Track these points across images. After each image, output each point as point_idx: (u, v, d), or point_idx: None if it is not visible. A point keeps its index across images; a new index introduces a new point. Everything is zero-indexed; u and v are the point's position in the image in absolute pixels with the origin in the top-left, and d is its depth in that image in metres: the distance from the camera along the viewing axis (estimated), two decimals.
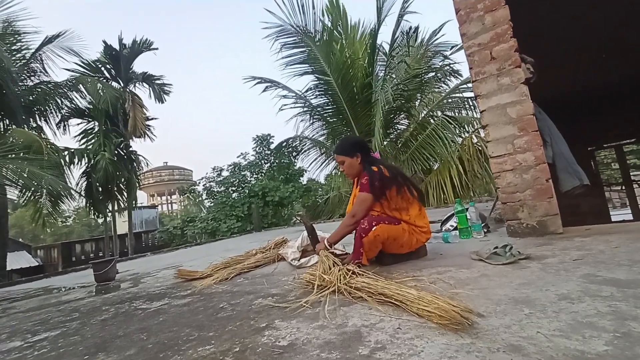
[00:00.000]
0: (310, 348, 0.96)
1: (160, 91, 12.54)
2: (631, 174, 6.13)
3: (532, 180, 2.17)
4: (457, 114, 8.80)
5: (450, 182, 7.48)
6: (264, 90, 9.51)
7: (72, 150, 10.47)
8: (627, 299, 0.95)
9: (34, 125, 9.14)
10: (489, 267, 1.54)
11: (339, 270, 1.57)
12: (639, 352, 0.68)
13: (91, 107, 10.83)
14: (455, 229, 2.61)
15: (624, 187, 6.05)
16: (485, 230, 2.54)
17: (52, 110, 9.55)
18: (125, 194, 11.74)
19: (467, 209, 2.52)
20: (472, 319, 0.95)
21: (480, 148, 7.44)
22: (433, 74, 9.10)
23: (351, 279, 1.50)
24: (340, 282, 1.49)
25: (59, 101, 9.69)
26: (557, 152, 2.45)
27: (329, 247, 1.97)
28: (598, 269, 1.25)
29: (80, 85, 9.92)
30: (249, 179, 12.27)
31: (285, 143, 11.59)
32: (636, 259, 1.30)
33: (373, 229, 1.72)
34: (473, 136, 7.86)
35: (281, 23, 8.31)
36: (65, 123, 10.64)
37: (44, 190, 7.40)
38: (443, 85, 9.49)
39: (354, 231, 1.93)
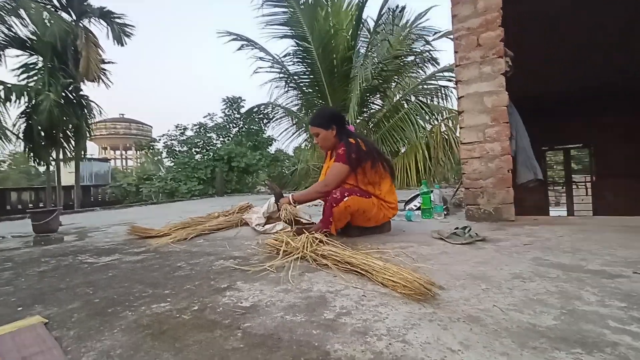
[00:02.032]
0: (274, 310, 0.94)
1: (120, 31, 11.16)
2: (572, 176, 6.80)
3: (496, 169, 2.29)
4: (430, 101, 8.99)
5: (415, 166, 7.76)
6: (239, 49, 8.91)
7: (9, 85, 9.11)
8: (571, 281, 1.04)
9: None
10: (449, 245, 1.62)
11: (306, 237, 1.55)
12: (583, 327, 0.75)
13: (34, 38, 9.38)
14: (419, 209, 2.71)
15: (564, 187, 6.72)
16: (446, 212, 2.67)
17: None
18: (73, 142, 10.63)
19: (432, 191, 2.61)
20: (434, 290, 0.99)
21: (446, 137, 7.75)
22: (413, 57, 9.10)
23: (318, 246, 1.49)
24: (306, 249, 1.47)
25: None
26: (520, 146, 2.59)
27: (292, 203, 1.96)
28: (546, 254, 1.36)
29: (22, 10, 8.50)
30: (214, 141, 11.74)
31: (256, 108, 11.12)
32: (578, 247, 1.44)
33: (345, 200, 1.72)
34: (442, 124, 8.13)
35: None
36: (1, 53, 9.18)
37: None
38: (420, 70, 9.57)
39: (323, 202, 1.91)
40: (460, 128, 2.45)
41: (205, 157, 10.88)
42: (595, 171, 6.10)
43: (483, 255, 1.39)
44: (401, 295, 1.00)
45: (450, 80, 8.28)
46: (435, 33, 8.66)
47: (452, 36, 2.49)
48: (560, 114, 5.68)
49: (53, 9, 10.00)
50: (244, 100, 12.27)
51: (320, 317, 0.87)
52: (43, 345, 0.79)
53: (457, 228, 1.76)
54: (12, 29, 8.98)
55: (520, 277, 1.10)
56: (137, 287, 1.21)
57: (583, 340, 0.69)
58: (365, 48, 8.66)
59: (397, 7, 8.66)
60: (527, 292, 0.96)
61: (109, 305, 1.05)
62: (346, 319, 0.85)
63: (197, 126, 11.77)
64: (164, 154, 12.88)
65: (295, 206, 2.04)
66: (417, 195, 2.89)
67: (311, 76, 8.79)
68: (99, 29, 11.47)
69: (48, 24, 8.83)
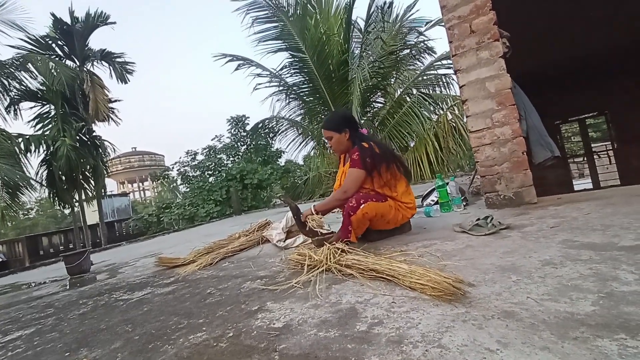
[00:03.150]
0: (307, 328, 0.95)
1: (122, 70, 11.63)
2: (592, 146, 6.56)
3: (509, 153, 2.24)
4: (432, 91, 8.90)
5: (426, 158, 7.66)
6: (236, 69, 9.09)
7: (27, 137, 9.60)
8: (605, 261, 1.01)
9: None
10: (472, 238, 1.59)
11: (328, 249, 1.57)
12: (623, 310, 0.73)
13: (44, 89, 9.88)
14: (436, 203, 2.68)
15: (585, 159, 6.47)
16: (465, 203, 2.62)
17: None
18: (92, 182, 11.06)
19: (447, 184, 2.58)
20: (464, 289, 0.98)
21: (454, 124, 7.63)
22: (408, 50, 9.05)
23: (341, 257, 1.50)
24: (330, 261, 1.48)
25: (6, 82, 8.76)
26: (530, 125, 2.53)
27: (314, 213, 1.97)
28: (574, 234, 1.33)
29: (29, 64, 9.00)
30: (225, 162, 11.95)
31: (261, 124, 11.29)
32: (607, 223, 1.39)
33: (361, 207, 1.72)
34: (448, 113, 8.03)
35: None
36: (16, 107, 9.71)
37: None
38: (418, 62, 9.50)
39: (341, 209, 1.92)
40: (467, 117, 2.42)
41: (219, 178, 11.07)
42: (616, 138, 5.86)
43: (509, 245, 1.36)
44: (431, 298, 0.99)
45: (449, 68, 8.19)
46: (427, 23, 8.61)
47: (444, 24, 2.48)
48: (569, 84, 5.51)
49: (58, 58, 10.52)
50: (248, 117, 12.48)
51: (353, 330, 0.88)
52: None
53: (478, 219, 1.73)
54: (23, 83, 9.50)
55: (551, 263, 1.07)
56: (173, 320, 1.25)
57: (626, 324, 0.67)
58: (359, 49, 8.69)
59: (384, 3, 8.67)
60: (560, 279, 0.94)
61: (148, 341, 1.09)
62: (379, 329, 0.85)
63: (207, 149, 12.03)
64: (179, 181, 13.20)
65: (320, 217, 2.04)
66: (433, 189, 2.86)
67: (310, 84, 8.87)
68: (102, 70, 11.99)
69: (55, 73, 9.29)
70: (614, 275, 0.90)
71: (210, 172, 11.62)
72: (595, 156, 6.45)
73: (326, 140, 2.06)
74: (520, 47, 2.55)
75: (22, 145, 9.26)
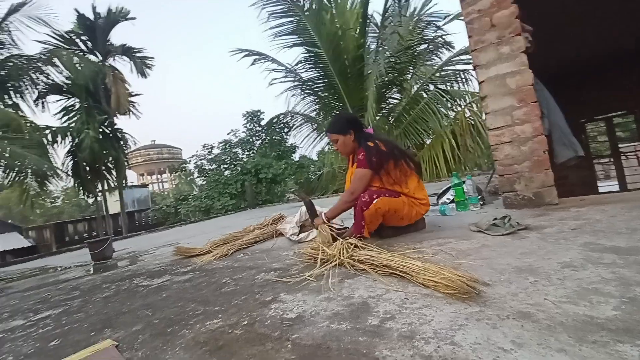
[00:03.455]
0: (319, 319, 0.97)
1: (142, 65, 11.97)
2: (619, 146, 6.24)
3: (530, 152, 2.18)
4: (450, 88, 8.68)
5: (443, 156, 7.51)
6: (253, 64, 9.16)
7: (54, 128, 10.06)
8: (629, 265, 0.97)
9: (10, 102, 8.69)
10: (489, 237, 1.56)
11: (341, 244, 1.58)
12: None
13: (69, 82, 10.31)
14: (452, 201, 2.64)
15: (611, 159, 6.18)
16: (482, 202, 2.57)
17: (28, 86, 9.09)
18: (114, 173, 11.49)
19: (464, 182, 2.53)
20: (479, 288, 0.97)
21: (472, 122, 7.43)
22: (425, 45, 8.86)
23: (354, 252, 1.51)
24: (343, 256, 1.49)
25: (34, 76, 9.19)
26: (553, 123, 2.44)
27: (326, 222, 1.97)
28: (597, 237, 1.28)
29: (55, 58, 9.38)
30: (240, 156, 12.12)
31: (276, 119, 11.35)
32: (634, 227, 1.34)
33: (374, 202, 1.72)
34: (466, 110, 7.82)
35: None
36: (43, 100, 10.17)
37: (29, 170, 7.17)
38: (435, 57, 9.28)
39: (353, 207, 1.92)
40: (486, 114, 2.36)
41: (234, 172, 11.26)
42: None
43: (527, 246, 1.33)
44: (444, 295, 0.99)
45: (468, 63, 7.96)
46: (446, 17, 8.38)
47: (463, 18, 2.42)
48: (596, 80, 5.26)
49: (82, 53, 10.92)
50: (264, 112, 12.59)
51: (365, 324, 0.89)
52: None
53: (496, 218, 1.70)
54: (50, 77, 9.92)
55: (571, 265, 1.05)
56: (190, 306, 1.30)
57: None
58: (375, 44, 8.57)
59: None
60: (580, 282, 0.92)
61: (167, 325, 1.14)
62: (391, 324, 0.86)
63: (223, 143, 12.24)
64: (196, 174, 13.50)
65: (332, 226, 2.02)
66: (449, 187, 2.81)
67: (325, 80, 8.83)
68: (122, 65, 12.34)
69: (79, 68, 9.66)
70: (638, 280, 0.87)
71: (225, 166, 11.83)
72: (622, 157, 6.15)
73: (332, 144, 2.05)
74: (544, 41, 2.46)
75: (49, 137, 9.71)
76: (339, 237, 1.73)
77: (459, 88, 8.64)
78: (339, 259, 1.48)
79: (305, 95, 9.49)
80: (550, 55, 4.34)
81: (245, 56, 9.08)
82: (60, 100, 10.77)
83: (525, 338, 0.69)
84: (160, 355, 0.92)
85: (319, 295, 1.17)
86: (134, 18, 11.78)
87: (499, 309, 0.85)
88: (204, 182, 12.24)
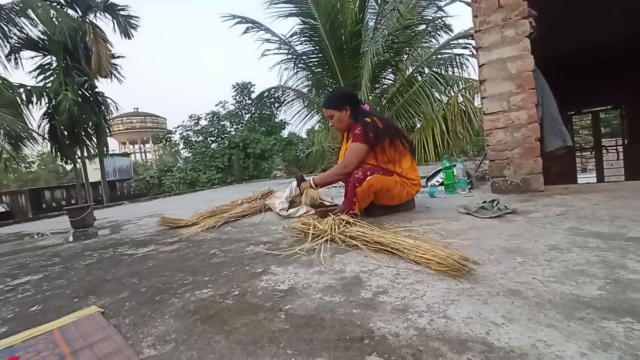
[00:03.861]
0: (312, 292, 0.97)
1: (126, 24, 11.16)
2: (602, 140, 6.45)
3: (522, 139, 2.20)
4: (445, 72, 8.61)
5: (432, 140, 7.56)
6: (245, 32, 8.71)
7: (29, 87, 9.40)
8: (613, 249, 1.01)
9: None
10: (477, 220, 1.59)
11: (332, 219, 1.57)
12: (630, 296, 0.73)
13: (46, 38, 9.55)
14: (441, 184, 2.67)
15: (592, 152, 6.40)
16: (470, 187, 2.61)
17: None
18: (94, 139, 10.99)
19: (454, 165, 2.55)
20: (469, 266, 0.99)
21: (464, 108, 7.45)
22: (425, 26, 8.65)
23: (345, 228, 1.51)
24: (334, 231, 1.49)
25: (6, 28, 8.45)
26: (546, 112, 2.46)
27: (313, 186, 1.96)
28: (582, 223, 1.32)
29: (30, 10, 8.61)
30: (228, 129, 11.83)
31: (267, 93, 11.00)
32: (616, 215, 1.39)
33: (367, 179, 1.71)
34: (459, 95, 7.82)
35: None
36: (17, 55, 9.43)
37: (1, 132, 6.76)
38: (433, 40, 9.11)
39: (345, 183, 1.91)
40: (482, 98, 2.34)
41: (221, 145, 11.02)
42: (628, 134, 5.75)
43: (515, 228, 1.37)
44: (436, 272, 1.00)
45: (465, 48, 7.88)
46: None
47: None
48: (588, 74, 5.32)
49: (59, 6, 10.07)
50: (254, 85, 12.23)
51: (358, 297, 0.89)
52: (104, 333, 0.86)
53: (484, 201, 1.73)
54: (24, 30, 9.15)
55: (557, 248, 1.08)
56: (178, 276, 1.28)
57: (632, 309, 0.68)
58: (374, 20, 8.29)
59: None
60: (566, 264, 0.95)
61: (155, 293, 1.12)
62: (384, 298, 0.87)
63: (210, 115, 11.87)
64: (181, 145, 13.14)
65: (317, 189, 2.04)
66: (439, 170, 2.84)
67: (320, 55, 8.55)
68: (105, 24, 11.50)
69: (56, 22, 8.92)
70: (622, 264, 0.90)
71: (212, 139, 11.54)
72: (604, 151, 6.37)
73: (328, 120, 2.00)
74: (544, 29, 2.42)
75: (23, 96, 9.09)
76: (330, 213, 1.73)
77: (454, 73, 8.59)
78: (330, 234, 1.48)
79: (299, 70, 9.19)
80: (548, 44, 4.32)
81: (237, 23, 8.62)
82: (36, 57, 10.00)
83: (516, 314, 0.71)
84: (149, 322, 0.90)
85: (311, 268, 1.17)
86: None
87: (489, 286, 0.87)
88: (190, 154, 11.95)
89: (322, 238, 1.48)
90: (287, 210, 2.34)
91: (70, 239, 2.69)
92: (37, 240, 2.84)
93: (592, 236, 1.15)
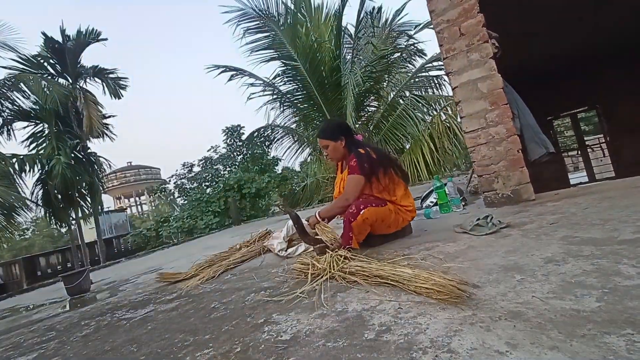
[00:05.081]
0: (315, 339, 0.95)
1: (115, 86, 11.65)
2: (585, 139, 6.63)
3: (505, 152, 2.27)
4: (424, 93, 8.99)
5: (422, 159, 7.70)
6: (230, 80, 9.13)
7: (22, 156, 9.55)
8: (606, 255, 1.02)
9: None
10: (474, 238, 1.60)
11: (330, 256, 1.56)
12: (628, 304, 0.73)
13: (37, 107, 9.86)
14: (436, 204, 2.69)
15: (579, 152, 6.54)
16: (464, 203, 2.63)
17: None
18: (88, 199, 10.98)
19: (445, 184, 2.59)
20: (469, 290, 0.98)
21: (448, 125, 7.69)
22: (399, 54, 9.17)
23: (344, 264, 1.50)
24: (333, 269, 1.48)
25: None
26: (524, 123, 2.56)
27: (320, 220, 1.95)
28: (574, 230, 1.34)
29: (22, 83, 8.99)
30: (222, 172, 11.94)
31: (256, 133, 11.31)
32: (606, 217, 1.40)
33: (361, 213, 1.73)
34: (441, 114, 8.09)
35: (242, 7, 7.94)
36: (9, 127, 9.69)
37: None
38: (409, 65, 9.63)
39: (341, 216, 1.92)
40: (461, 118, 2.44)
41: (216, 189, 11.05)
42: (608, 131, 5.94)
43: (511, 243, 1.37)
44: (437, 301, 0.99)
45: (440, 69, 8.31)
46: (417, 26, 8.76)
47: (433, 27, 2.52)
48: (558, 79, 5.59)
49: (50, 77, 10.52)
50: (244, 126, 12.54)
51: (361, 339, 0.87)
52: None
53: (478, 218, 1.74)
54: (16, 103, 9.47)
55: (553, 260, 1.08)
56: (178, 337, 1.23)
57: (631, 319, 0.68)
58: (350, 54, 8.79)
59: (373, 9, 8.81)
60: (563, 276, 0.95)
61: None
62: (387, 337, 0.85)
63: (203, 160, 12.03)
64: (176, 194, 13.15)
65: (327, 222, 2.00)
66: (432, 191, 2.87)
67: (304, 92, 8.92)
68: (95, 87, 11.97)
69: (47, 92, 9.27)
70: (616, 270, 0.91)
71: (207, 184, 11.61)
72: (589, 149, 6.53)
73: (322, 150, 2.06)
74: (508, 43, 2.59)
75: (16, 166, 9.20)
76: (328, 250, 1.72)
77: (433, 93, 8.98)
78: (330, 272, 1.47)
79: (285, 107, 9.53)
80: (515, 56, 4.58)
81: (222, 72, 9.05)
82: (28, 126, 10.27)
83: (519, 338, 0.70)
84: None
85: (313, 312, 1.15)
86: (105, 39, 11.52)
87: (490, 310, 0.86)
88: (185, 202, 11.93)
89: (322, 277, 1.46)
90: (286, 250, 2.32)
91: (67, 307, 2.60)
92: (32, 314, 2.74)
93: (586, 243, 1.16)
